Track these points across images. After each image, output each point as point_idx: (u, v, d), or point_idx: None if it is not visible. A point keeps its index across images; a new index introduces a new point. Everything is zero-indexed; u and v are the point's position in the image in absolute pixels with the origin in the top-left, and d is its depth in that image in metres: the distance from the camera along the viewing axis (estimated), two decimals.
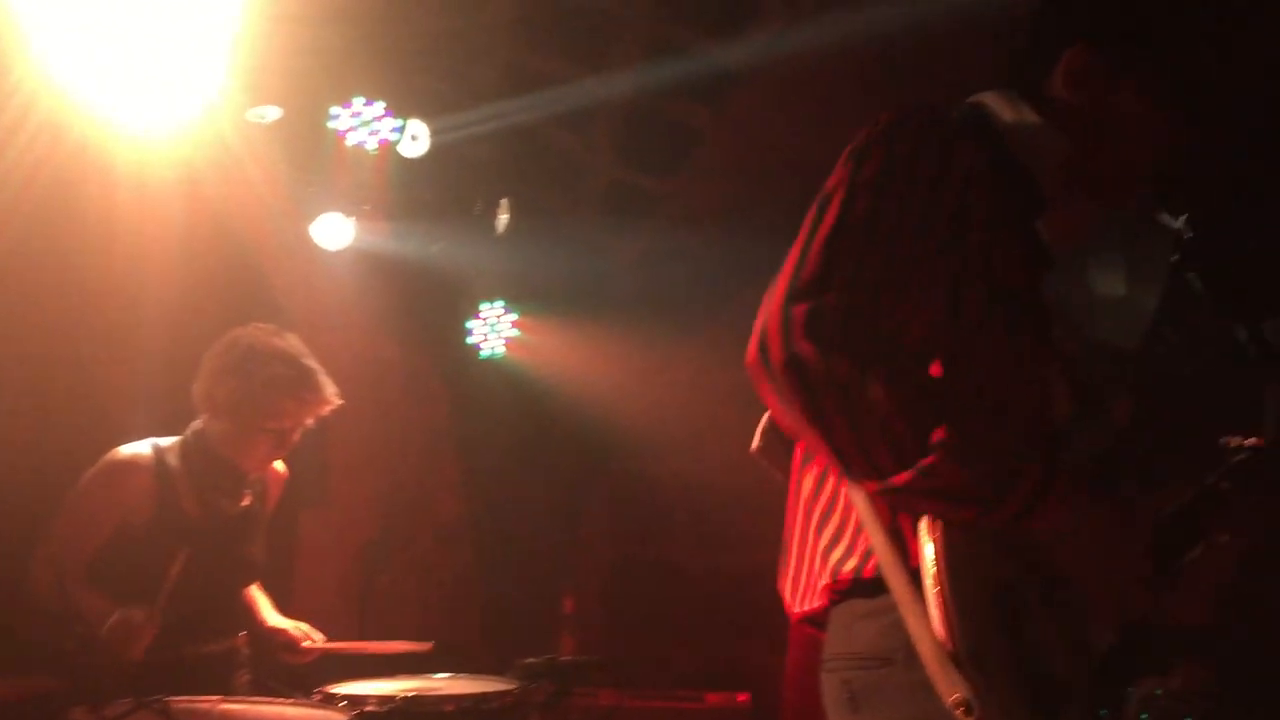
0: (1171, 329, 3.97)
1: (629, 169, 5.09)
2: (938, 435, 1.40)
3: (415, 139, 4.26)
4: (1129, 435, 1.76)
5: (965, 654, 1.39)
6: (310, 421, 3.13)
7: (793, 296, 1.46)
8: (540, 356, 5.48)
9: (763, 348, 1.46)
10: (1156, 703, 4.49)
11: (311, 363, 3.09)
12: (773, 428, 1.82)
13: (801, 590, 1.69)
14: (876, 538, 1.51)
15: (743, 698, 4.68)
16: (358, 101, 4.14)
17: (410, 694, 2.90)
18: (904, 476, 1.41)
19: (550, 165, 5.05)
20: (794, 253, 1.52)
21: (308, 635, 3.30)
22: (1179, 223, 1.71)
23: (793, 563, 1.72)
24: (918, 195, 1.53)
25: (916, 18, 3.76)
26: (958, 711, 1.38)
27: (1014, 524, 1.44)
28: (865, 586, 1.56)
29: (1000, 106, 1.73)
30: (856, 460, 1.44)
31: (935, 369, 1.55)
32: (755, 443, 1.56)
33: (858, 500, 1.56)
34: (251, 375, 3.00)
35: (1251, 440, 1.80)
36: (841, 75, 4.15)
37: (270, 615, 3.34)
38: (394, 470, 5.22)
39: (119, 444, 3.04)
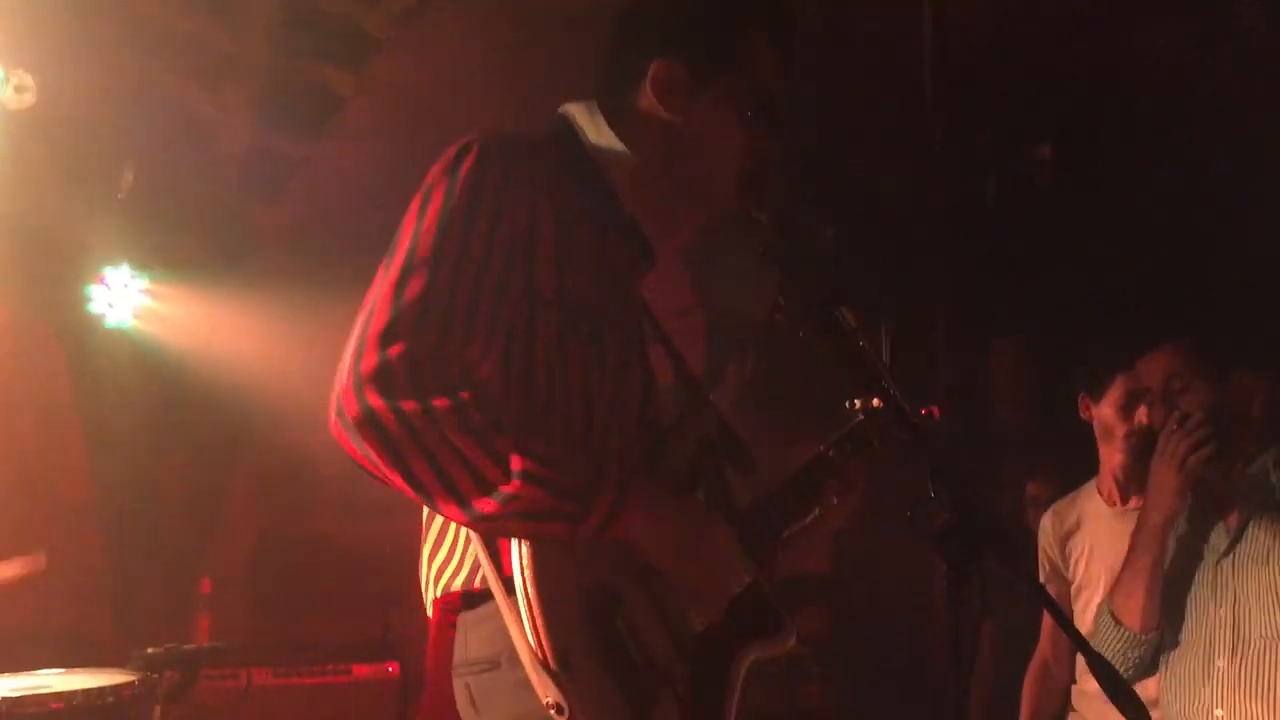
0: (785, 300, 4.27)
1: (269, 132, 4.89)
2: (516, 462, 1.47)
3: (21, 91, 3.90)
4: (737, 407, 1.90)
5: (555, 658, 1.48)
6: None
7: (361, 352, 1.49)
8: (175, 326, 5.17)
9: (339, 409, 1.48)
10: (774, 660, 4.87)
11: None
12: None
13: (429, 602, 1.75)
14: (478, 551, 1.59)
15: (393, 667, 4.67)
16: None
17: (13, 694, 2.71)
18: (489, 505, 1.47)
19: (182, 126, 4.76)
20: (365, 302, 1.55)
21: None
22: (764, 218, 1.85)
23: (422, 573, 1.77)
24: (478, 231, 1.58)
25: None
26: (551, 713, 1.48)
27: (599, 534, 1.53)
28: (472, 598, 1.64)
29: (584, 120, 1.81)
30: (442, 498, 1.49)
31: (509, 394, 1.60)
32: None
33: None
34: None
35: (873, 402, 1.99)
36: (482, 38, 4.17)
37: None
38: (6, 451, 4.79)
39: None
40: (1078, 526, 3.38)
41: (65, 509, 5.04)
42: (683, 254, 4.50)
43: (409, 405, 1.46)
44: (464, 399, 1.48)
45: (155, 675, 2.98)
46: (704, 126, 1.79)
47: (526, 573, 1.51)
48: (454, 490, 1.48)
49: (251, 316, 5.18)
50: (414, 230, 1.58)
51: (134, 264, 5.02)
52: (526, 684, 1.52)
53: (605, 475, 1.53)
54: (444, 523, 1.71)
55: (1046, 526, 3.44)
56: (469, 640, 1.65)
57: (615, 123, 1.79)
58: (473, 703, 1.64)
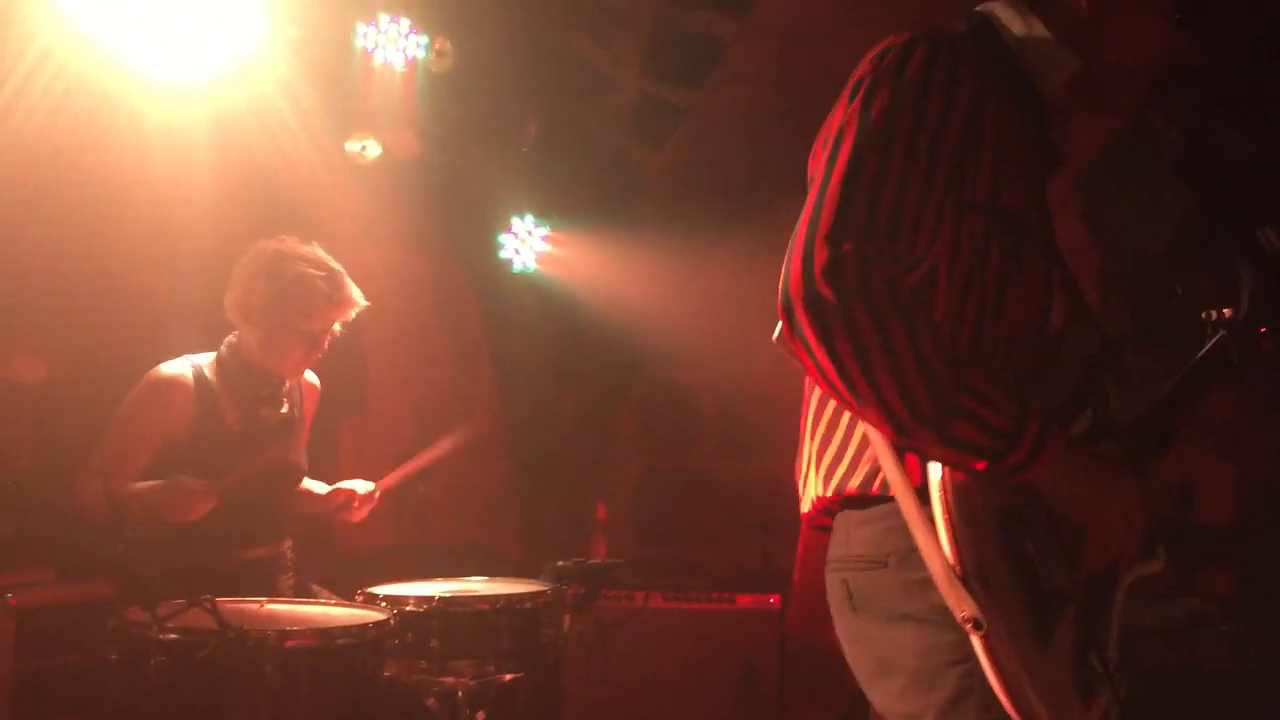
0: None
1: (655, 81, 5.08)
2: (955, 396, 1.47)
3: (442, 56, 4.28)
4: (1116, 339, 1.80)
5: (972, 573, 1.48)
6: (339, 325, 3.24)
7: (812, 243, 1.50)
8: (571, 270, 5.53)
9: (786, 293, 1.51)
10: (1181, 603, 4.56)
11: (338, 266, 3.20)
12: None
13: (809, 498, 1.78)
14: (884, 459, 1.58)
15: (774, 599, 4.80)
16: (383, 19, 4.16)
17: (447, 595, 3.05)
18: (920, 431, 1.48)
19: (578, 79, 5.05)
20: (812, 196, 1.56)
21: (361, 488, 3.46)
22: (1171, 131, 1.74)
23: (802, 469, 1.80)
24: (926, 132, 1.57)
25: None
26: (967, 626, 1.48)
27: (1013, 474, 1.52)
28: (864, 500, 1.66)
29: (1010, 18, 1.75)
30: (872, 410, 1.50)
31: (941, 308, 1.60)
32: (778, 331, 1.60)
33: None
34: (282, 276, 3.11)
35: (1226, 312, 1.84)
36: None
37: (323, 488, 3.50)
38: (430, 382, 5.33)
39: (164, 359, 3.17)
40: None
41: (479, 435, 5.53)
42: (1077, 187, 4.27)
43: (861, 315, 1.46)
44: (917, 322, 1.48)
45: (564, 587, 3.24)
46: (1133, 30, 1.73)
47: (947, 486, 1.51)
48: (887, 409, 1.49)
49: (639, 260, 5.44)
50: (860, 125, 1.57)
51: (537, 213, 5.40)
52: (912, 584, 1.56)
53: (1030, 418, 1.51)
54: (832, 419, 1.72)
55: None
56: (852, 537, 1.69)
57: (1044, 16, 1.73)
58: (849, 598, 1.68)
